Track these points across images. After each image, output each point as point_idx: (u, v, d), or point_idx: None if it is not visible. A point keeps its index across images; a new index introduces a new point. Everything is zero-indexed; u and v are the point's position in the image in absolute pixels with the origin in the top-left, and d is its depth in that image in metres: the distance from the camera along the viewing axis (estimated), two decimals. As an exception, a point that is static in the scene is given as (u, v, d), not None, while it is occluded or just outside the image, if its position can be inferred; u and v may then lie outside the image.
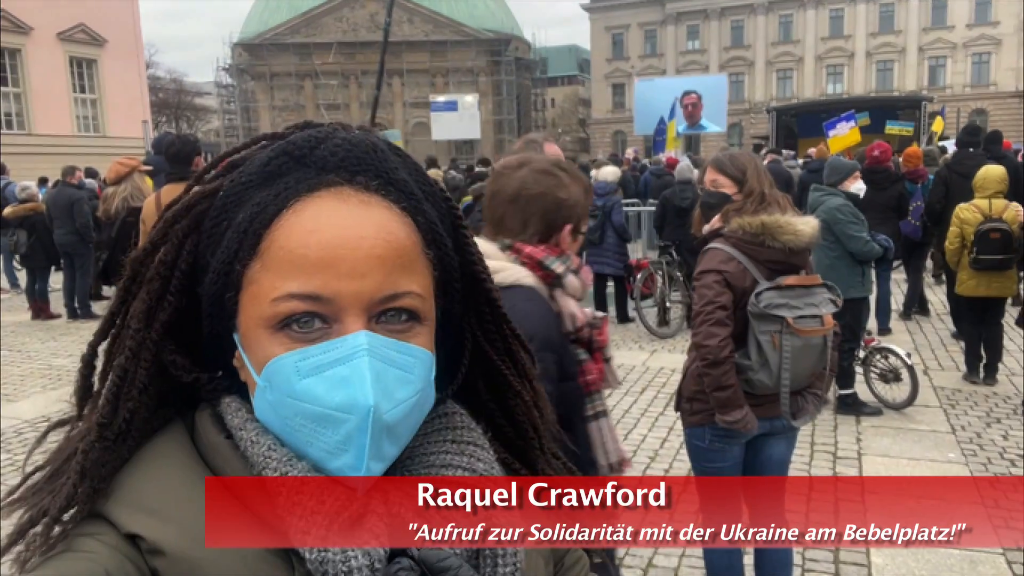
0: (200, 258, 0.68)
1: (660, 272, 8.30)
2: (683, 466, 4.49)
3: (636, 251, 10.25)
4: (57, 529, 0.63)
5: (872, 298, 6.11)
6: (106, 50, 27.54)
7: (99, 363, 0.71)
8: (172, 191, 4.61)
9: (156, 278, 0.68)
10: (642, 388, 6.35)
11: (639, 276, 8.30)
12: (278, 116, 52.14)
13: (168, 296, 0.68)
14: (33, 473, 0.70)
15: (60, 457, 0.68)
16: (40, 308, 9.83)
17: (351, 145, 0.67)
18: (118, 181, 5.25)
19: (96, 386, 0.69)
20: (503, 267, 1.75)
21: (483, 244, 1.83)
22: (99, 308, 10.06)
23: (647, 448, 4.99)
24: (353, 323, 0.62)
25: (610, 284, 8.85)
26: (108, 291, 6.64)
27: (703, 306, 2.56)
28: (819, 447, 4.99)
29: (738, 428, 2.53)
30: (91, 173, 13.44)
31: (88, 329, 9.24)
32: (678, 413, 2.81)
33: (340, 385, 0.61)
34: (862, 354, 5.73)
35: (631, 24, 56.95)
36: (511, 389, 0.77)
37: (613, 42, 58.13)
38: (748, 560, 2.95)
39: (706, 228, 2.69)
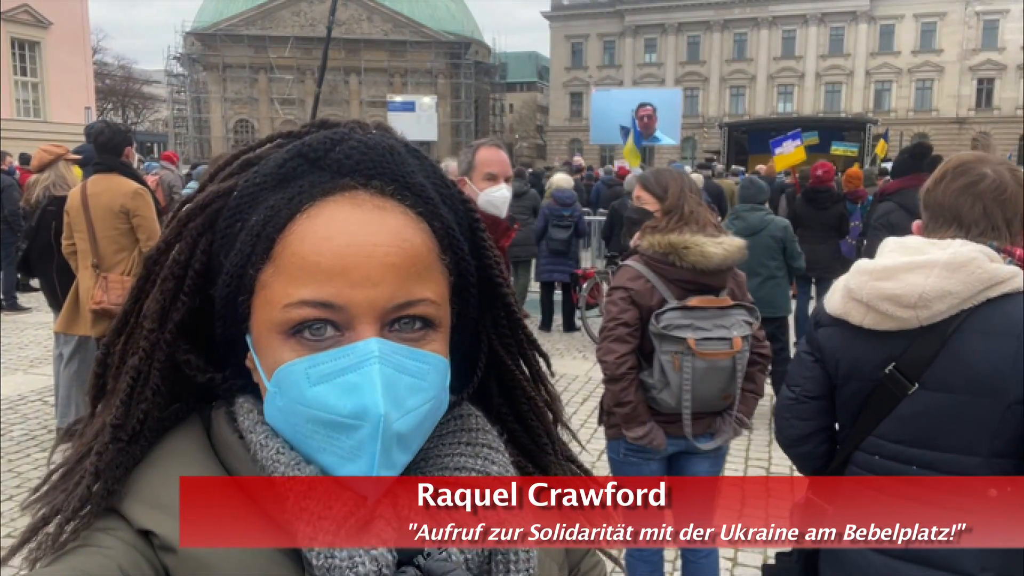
0: (214, 259, 0.67)
1: (606, 282, 8.33)
2: (618, 479, 4.47)
3: (584, 260, 10.30)
4: (69, 528, 0.62)
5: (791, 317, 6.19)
6: (51, 32, 26.64)
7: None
8: (99, 182, 4.42)
9: (170, 278, 0.66)
10: (583, 399, 6.34)
11: (585, 286, 8.32)
12: (230, 108, 51.11)
13: (182, 296, 0.67)
14: (52, 474, 0.69)
15: (74, 457, 0.67)
16: (-38, 298, 9.40)
17: (367, 148, 0.65)
18: (42, 169, 5.01)
19: (110, 385, 0.68)
20: (1014, 272, 1.59)
21: (970, 246, 1.61)
22: (25, 300, 9.67)
23: (585, 459, 4.91)
24: (365, 330, 0.61)
25: (558, 292, 8.88)
26: (35, 282, 6.33)
27: (607, 322, 2.58)
28: (753, 462, 5.03)
29: (643, 444, 2.52)
30: (25, 159, 12.91)
31: (11, 321, 8.91)
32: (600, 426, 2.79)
33: (350, 392, 0.60)
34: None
35: (590, 34, 57.49)
36: (524, 394, 0.77)
37: (572, 51, 58.58)
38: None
39: (631, 243, 2.68)
